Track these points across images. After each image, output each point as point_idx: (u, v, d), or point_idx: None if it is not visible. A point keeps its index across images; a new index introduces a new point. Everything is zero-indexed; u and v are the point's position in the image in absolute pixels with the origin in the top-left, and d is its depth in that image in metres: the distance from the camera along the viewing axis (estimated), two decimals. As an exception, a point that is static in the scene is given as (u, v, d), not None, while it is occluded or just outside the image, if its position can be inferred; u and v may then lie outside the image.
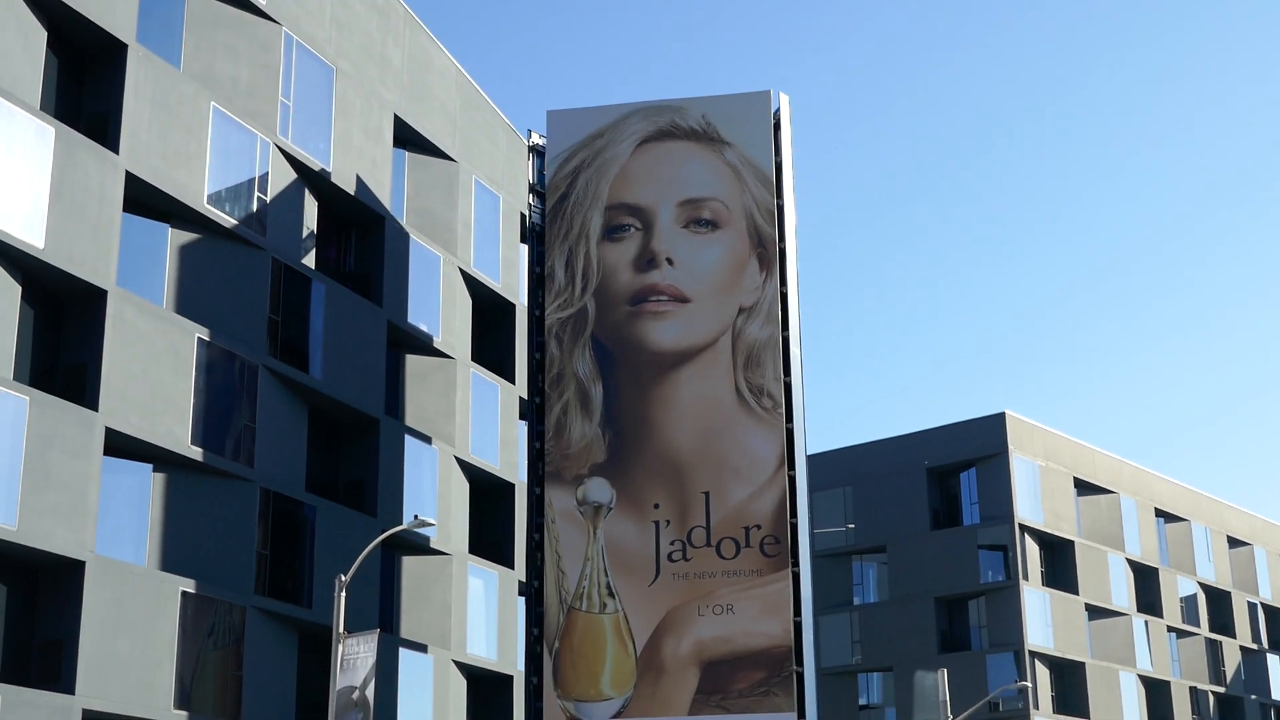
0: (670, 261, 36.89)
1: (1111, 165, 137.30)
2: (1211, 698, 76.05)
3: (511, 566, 43.81)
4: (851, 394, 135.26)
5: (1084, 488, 70.58)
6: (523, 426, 43.91)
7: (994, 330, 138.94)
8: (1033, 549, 66.53)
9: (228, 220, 35.01)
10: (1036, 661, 64.62)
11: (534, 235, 38.25)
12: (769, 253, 37.11)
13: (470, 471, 43.12)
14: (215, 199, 34.82)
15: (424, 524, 30.26)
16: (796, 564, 35.22)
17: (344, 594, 29.82)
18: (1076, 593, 67.79)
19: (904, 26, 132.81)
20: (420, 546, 40.32)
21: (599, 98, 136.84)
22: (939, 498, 68.40)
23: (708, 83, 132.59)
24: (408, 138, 42.93)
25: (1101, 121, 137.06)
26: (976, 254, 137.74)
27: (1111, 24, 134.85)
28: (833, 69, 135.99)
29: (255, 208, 36.06)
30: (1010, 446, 66.29)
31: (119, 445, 31.70)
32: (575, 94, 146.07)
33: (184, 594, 32.28)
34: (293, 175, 37.53)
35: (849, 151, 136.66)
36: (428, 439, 41.15)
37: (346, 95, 39.78)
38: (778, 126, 38.18)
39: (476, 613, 42.16)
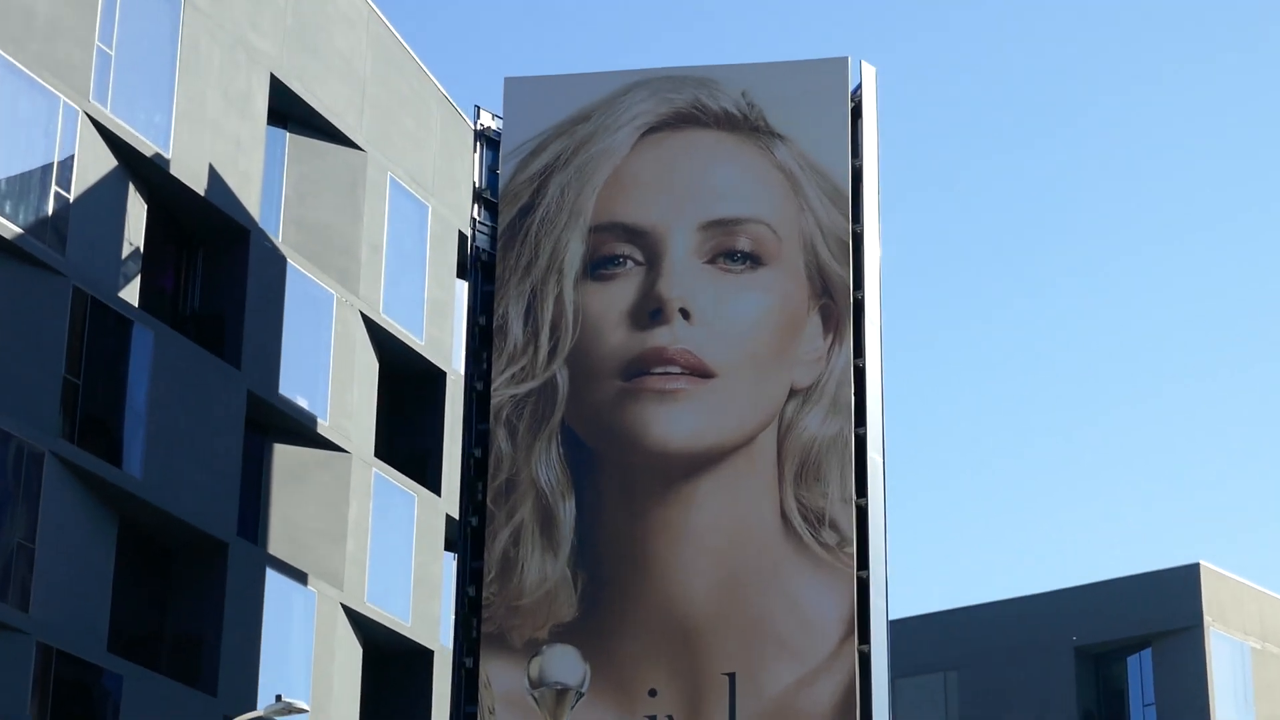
0: (686, 314, 36.80)
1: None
2: None
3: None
4: (959, 531, 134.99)
5: (1312, 680, 70.64)
6: (449, 561, 44.04)
7: (1184, 446, 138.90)
8: (1237, 770, 66.60)
9: (10, 228, 34.94)
10: None
11: (479, 267, 38.33)
12: (838, 305, 36.99)
13: (366, 629, 43.25)
14: (-10, 194, 34.88)
15: (291, 710, 30.33)
16: (872, 789, 35.35)
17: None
18: (1294, 830, 67.89)
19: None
20: None
21: (579, 63, 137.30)
22: (1094, 692, 68.50)
23: (745, 47, 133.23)
24: (289, 111, 43.19)
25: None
26: (1142, 318, 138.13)
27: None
28: (928, 32, 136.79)
29: (52, 209, 36.08)
30: (1206, 617, 66.29)
31: None
32: (545, 56, 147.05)
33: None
34: (112, 161, 37.63)
35: (957, 150, 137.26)
36: (302, 577, 41.23)
37: (198, 43, 39.86)
38: (858, 113, 38.15)
39: None
